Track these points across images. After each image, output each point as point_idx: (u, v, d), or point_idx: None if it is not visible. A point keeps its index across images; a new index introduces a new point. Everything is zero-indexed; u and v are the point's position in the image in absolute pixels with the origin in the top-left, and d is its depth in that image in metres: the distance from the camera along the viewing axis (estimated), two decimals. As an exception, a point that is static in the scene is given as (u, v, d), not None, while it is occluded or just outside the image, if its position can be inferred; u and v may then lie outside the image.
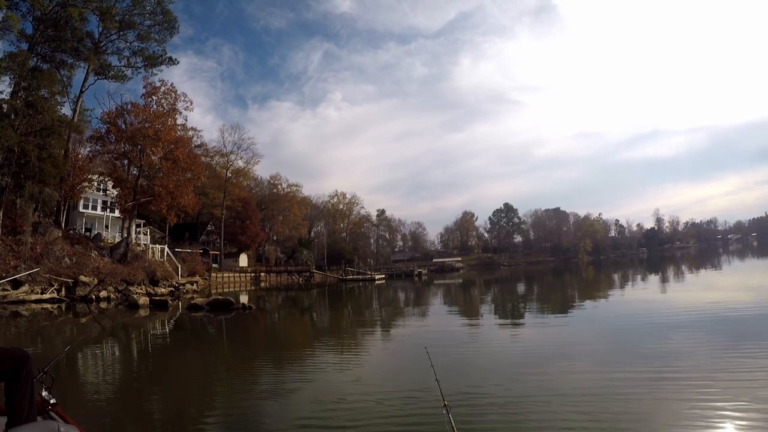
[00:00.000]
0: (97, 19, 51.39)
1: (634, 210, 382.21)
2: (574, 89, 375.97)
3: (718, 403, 7.84)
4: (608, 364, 11.36)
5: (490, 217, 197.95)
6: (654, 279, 46.08)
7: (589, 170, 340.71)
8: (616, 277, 55.02)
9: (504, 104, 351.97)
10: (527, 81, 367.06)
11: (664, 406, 7.99)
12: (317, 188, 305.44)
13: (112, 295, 36.82)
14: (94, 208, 60.75)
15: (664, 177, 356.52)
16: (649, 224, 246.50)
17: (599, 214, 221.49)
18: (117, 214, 57.05)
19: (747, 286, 30.92)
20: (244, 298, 40.72)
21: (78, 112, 52.58)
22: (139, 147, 49.24)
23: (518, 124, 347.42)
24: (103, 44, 53.28)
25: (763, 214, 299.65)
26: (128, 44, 55.08)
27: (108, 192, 58.89)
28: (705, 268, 56.54)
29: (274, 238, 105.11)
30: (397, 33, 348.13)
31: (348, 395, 9.69)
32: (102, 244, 48.50)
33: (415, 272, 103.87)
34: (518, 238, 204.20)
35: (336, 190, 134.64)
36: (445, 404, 4.84)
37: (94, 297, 35.61)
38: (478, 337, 17.74)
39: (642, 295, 31.82)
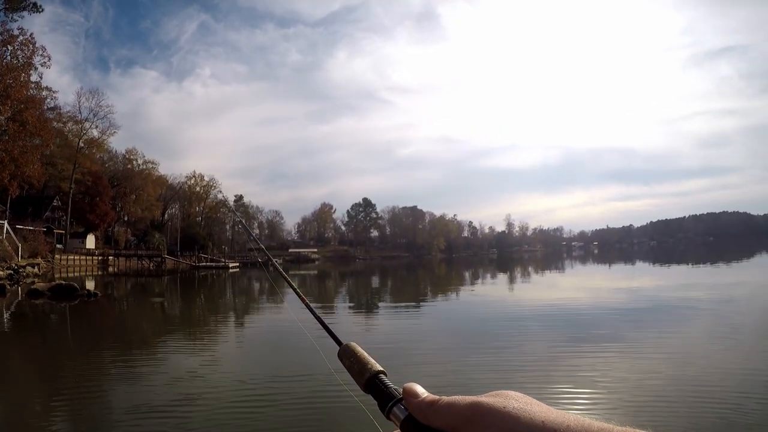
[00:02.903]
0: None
1: (487, 213, 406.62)
2: (443, 96, 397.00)
3: (554, 386, 9.29)
4: (455, 353, 12.83)
5: (348, 211, 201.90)
6: (502, 278, 49.28)
7: (448, 173, 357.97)
8: (466, 274, 57.89)
9: (373, 101, 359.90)
10: (399, 82, 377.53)
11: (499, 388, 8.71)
12: (174, 167, 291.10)
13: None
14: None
15: (518, 186, 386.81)
16: (500, 227, 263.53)
17: (454, 215, 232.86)
18: None
19: (585, 287, 34.42)
20: (90, 284, 38.49)
21: None
22: (-15, 103, 44.59)
23: (385, 123, 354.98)
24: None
25: (605, 227, 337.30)
26: None
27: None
28: (549, 270, 60.83)
29: (125, 218, 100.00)
30: (278, 15, 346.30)
31: (201, 388, 9.85)
32: (-70, 216, 43.44)
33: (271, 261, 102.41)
34: (375, 233, 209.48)
35: (194, 171, 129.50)
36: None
37: None
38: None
39: (491, 291, 34.51)
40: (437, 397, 0.69)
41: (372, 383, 0.77)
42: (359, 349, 0.84)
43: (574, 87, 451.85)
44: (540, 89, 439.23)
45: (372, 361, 0.81)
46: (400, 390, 0.73)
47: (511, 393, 0.66)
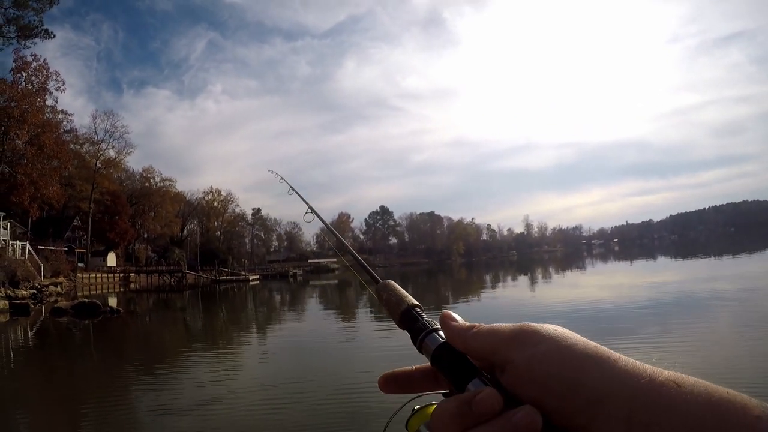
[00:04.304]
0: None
1: (505, 215, 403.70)
2: (454, 100, 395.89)
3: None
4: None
5: (366, 219, 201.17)
6: (523, 279, 48.76)
7: (463, 177, 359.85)
8: (487, 277, 57.24)
9: (385, 109, 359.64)
10: (410, 89, 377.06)
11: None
12: (191, 184, 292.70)
13: (-33, 299, 33.57)
14: (-53, 197, 53.99)
15: (534, 186, 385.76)
16: (519, 229, 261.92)
17: (472, 218, 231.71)
18: None
19: (607, 284, 33.95)
20: (112, 301, 38.82)
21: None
22: (3, 129, 45.42)
23: (397, 130, 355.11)
24: (-26, 8, 48.05)
25: (624, 223, 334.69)
26: (3, 10, 49.78)
27: (-36, 179, 52.65)
28: (570, 270, 60.22)
29: (145, 235, 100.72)
30: (285, 29, 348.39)
31: (225, 404, 9.79)
32: (-45, 240, 44.12)
33: (291, 273, 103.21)
34: (393, 240, 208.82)
35: (211, 187, 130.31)
36: None
37: (-54, 301, 32.40)
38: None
39: (511, 293, 34.22)
40: (477, 323, 0.67)
41: (407, 314, 0.75)
42: (396, 285, 0.82)
43: (583, 83, 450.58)
44: (550, 87, 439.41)
45: (408, 295, 0.79)
46: (435, 323, 0.71)
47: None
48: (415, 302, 0.77)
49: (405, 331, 0.75)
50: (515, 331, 0.62)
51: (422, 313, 0.75)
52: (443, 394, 0.67)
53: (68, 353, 18.82)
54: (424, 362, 0.71)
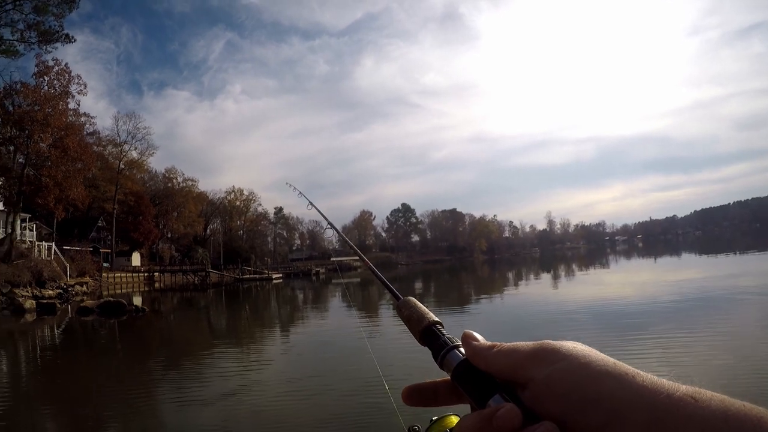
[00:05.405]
0: (-8, -16, 47.02)
1: (527, 212, 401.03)
2: (473, 96, 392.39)
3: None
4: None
5: (387, 217, 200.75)
6: (546, 277, 48.52)
7: (483, 173, 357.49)
8: (510, 275, 56.98)
9: (403, 106, 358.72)
10: (428, 85, 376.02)
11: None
12: (213, 184, 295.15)
13: (-5, 299, 34.06)
14: (-25, 200, 54.57)
15: (555, 182, 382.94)
16: (541, 226, 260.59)
17: (494, 215, 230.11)
18: (1, 207, 51.53)
19: (632, 281, 33.70)
20: (137, 300, 39.20)
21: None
22: (27, 132, 46.10)
23: (417, 127, 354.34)
24: (-5, 13, 48.67)
25: (648, 219, 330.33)
26: (23, 16, 49.74)
27: (-10, 182, 53.39)
28: (594, 267, 59.77)
29: (169, 235, 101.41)
30: (302, 28, 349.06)
31: (251, 400, 9.93)
32: (-18, 241, 44.74)
33: (313, 271, 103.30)
34: (415, 238, 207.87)
35: (233, 186, 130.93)
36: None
37: (-25, 301, 32.88)
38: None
39: (535, 290, 33.83)
40: (497, 342, 0.69)
41: (428, 331, 0.75)
42: (417, 302, 0.82)
43: (602, 77, 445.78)
44: (569, 81, 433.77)
45: (429, 312, 0.80)
46: (456, 340, 0.72)
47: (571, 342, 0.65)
48: (436, 319, 0.77)
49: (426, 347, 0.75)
50: (535, 350, 0.63)
51: (443, 330, 0.76)
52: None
53: (95, 350, 19.07)
54: (444, 376, 0.72)
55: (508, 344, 0.67)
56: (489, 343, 0.69)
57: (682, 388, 0.52)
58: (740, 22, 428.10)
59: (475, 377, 0.67)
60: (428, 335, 0.76)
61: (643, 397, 0.52)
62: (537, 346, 0.64)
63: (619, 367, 0.57)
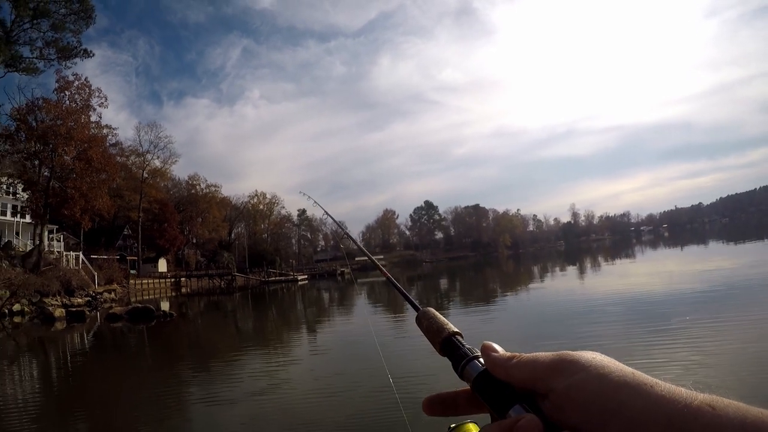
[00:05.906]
0: (10, 5, 48.15)
1: (550, 205, 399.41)
2: (492, 90, 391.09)
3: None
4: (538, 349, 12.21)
5: (411, 215, 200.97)
6: (572, 270, 47.81)
7: (506, 168, 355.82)
8: (536, 269, 56.36)
9: (422, 104, 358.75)
10: (446, 81, 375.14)
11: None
12: (236, 188, 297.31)
13: (26, 309, 34.95)
14: (3, 213, 54.72)
15: (579, 174, 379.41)
16: (565, 218, 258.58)
17: (518, 209, 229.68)
18: (28, 219, 52.82)
19: (658, 271, 33.07)
20: (165, 305, 39.81)
21: (-16, 107, 49.10)
22: (51, 146, 47.05)
23: (437, 124, 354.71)
24: (15, 33, 49.96)
25: (673, 207, 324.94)
26: (41, 34, 51.64)
27: (18, 195, 53.99)
28: (620, 258, 58.72)
29: (194, 241, 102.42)
30: (317, 31, 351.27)
31: (279, 398, 10.07)
32: (13, 252, 45.92)
33: (339, 271, 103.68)
34: (439, 235, 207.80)
35: (256, 190, 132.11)
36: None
37: (6, 311, 33.75)
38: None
39: (560, 284, 33.44)
40: (517, 353, 0.70)
41: (448, 342, 0.76)
42: (436, 313, 0.84)
43: (621, 65, 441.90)
44: (588, 71, 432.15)
45: (448, 322, 0.80)
46: (475, 351, 0.73)
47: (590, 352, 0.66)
48: (455, 329, 0.78)
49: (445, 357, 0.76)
50: (555, 361, 0.64)
51: (462, 341, 0.77)
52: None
53: (125, 355, 19.42)
54: (464, 386, 0.73)
55: (528, 355, 0.68)
56: (508, 354, 0.70)
57: (700, 397, 0.52)
58: (759, 1, 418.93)
59: (495, 388, 0.67)
60: (448, 346, 0.76)
61: (661, 407, 0.52)
62: (556, 357, 0.65)
63: (638, 378, 0.57)
